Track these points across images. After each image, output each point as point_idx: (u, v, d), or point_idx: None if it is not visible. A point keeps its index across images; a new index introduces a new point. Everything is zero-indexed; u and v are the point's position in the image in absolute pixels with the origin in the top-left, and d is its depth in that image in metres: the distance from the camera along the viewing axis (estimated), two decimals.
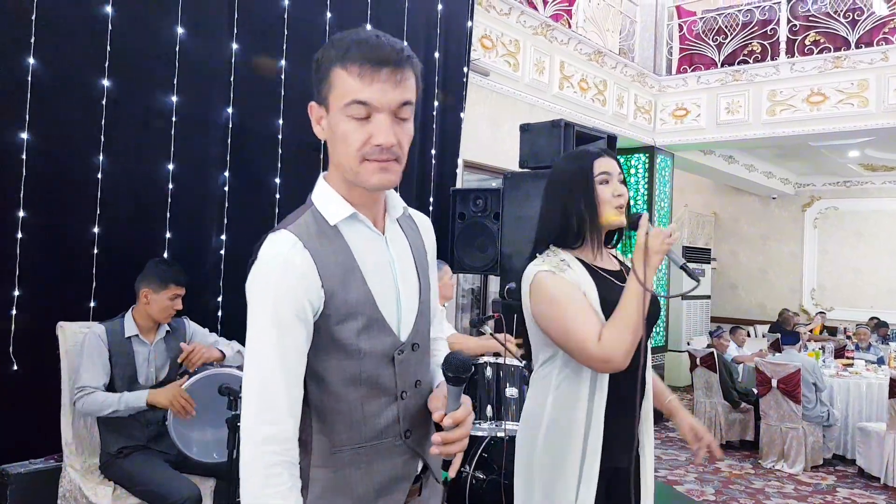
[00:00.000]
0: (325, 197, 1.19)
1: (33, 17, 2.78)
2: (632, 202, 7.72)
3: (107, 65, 3.00)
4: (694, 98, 7.50)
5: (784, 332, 7.25)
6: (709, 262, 10.46)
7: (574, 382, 1.67)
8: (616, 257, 1.87)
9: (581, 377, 1.67)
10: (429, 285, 1.31)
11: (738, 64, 7.30)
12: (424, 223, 1.38)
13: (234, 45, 3.46)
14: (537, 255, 1.75)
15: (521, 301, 1.74)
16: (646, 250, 1.61)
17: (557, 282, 1.65)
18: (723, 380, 6.42)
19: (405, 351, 1.21)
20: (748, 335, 8.37)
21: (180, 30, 3.23)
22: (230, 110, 3.45)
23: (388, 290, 1.20)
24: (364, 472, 1.18)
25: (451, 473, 1.21)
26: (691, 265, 1.71)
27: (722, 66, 7.41)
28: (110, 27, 3.00)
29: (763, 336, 9.56)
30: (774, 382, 5.78)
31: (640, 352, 1.63)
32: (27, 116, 2.80)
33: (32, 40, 2.79)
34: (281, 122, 3.65)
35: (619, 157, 1.81)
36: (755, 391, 6.21)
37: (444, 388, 1.20)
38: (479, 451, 3.17)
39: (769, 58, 7.14)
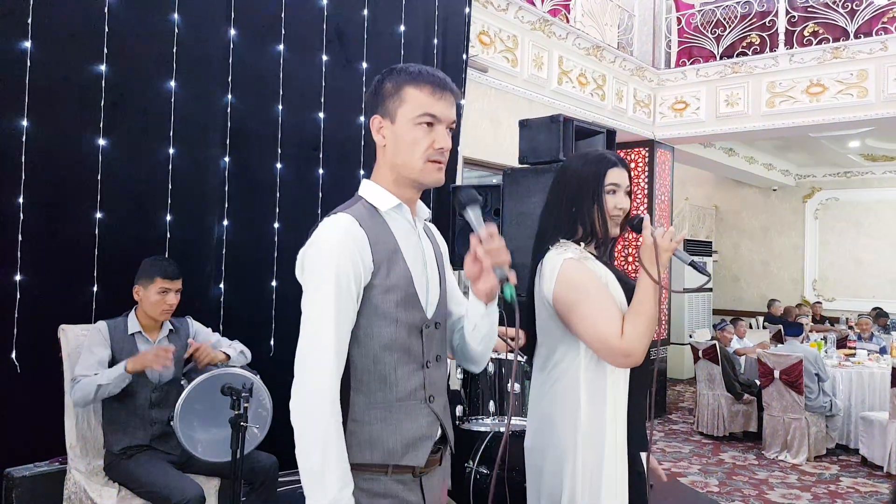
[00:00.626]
0: (374, 191, 1.43)
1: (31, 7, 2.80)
2: (632, 197, 7.77)
3: (105, 53, 3.01)
4: (693, 91, 7.49)
5: (787, 324, 7.26)
6: (710, 255, 10.47)
7: (600, 378, 1.69)
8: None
9: (605, 372, 1.68)
10: (446, 278, 1.55)
11: (737, 56, 7.29)
12: (438, 234, 1.63)
13: (232, 32, 3.47)
14: (549, 246, 1.76)
15: (536, 291, 1.74)
16: (656, 248, 1.65)
17: (583, 269, 1.68)
18: (725, 372, 6.43)
19: (430, 326, 1.43)
20: (749, 327, 8.36)
21: (177, 17, 3.25)
22: (230, 97, 3.46)
23: (420, 273, 1.42)
24: (394, 429, 1.37)
25: (513, 280, 1.40)
26: (693, 257, 1.73)
27: (721, 58, 7.40)
28: (107, 15, 3.02)
29: (764, 327, 9.57)
30: (777, 374, 5.78)
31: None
32: (25, 111, 2.81)
33: (29, 29, 2.80)
34: (280, 106, 3.67)
35: (618, 151, 1.85)
36: (758, 382, 6.21)
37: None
38: (483, 447, 3.17)
39: (768, 49, 7.12)
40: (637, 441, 1.72)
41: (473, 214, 1.43)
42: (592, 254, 1.76)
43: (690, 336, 8.71)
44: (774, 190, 11.39)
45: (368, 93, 1.46)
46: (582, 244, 1.76)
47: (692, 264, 1.69)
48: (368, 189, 1.44)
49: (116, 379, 2.51)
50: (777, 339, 7.72)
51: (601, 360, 1.67)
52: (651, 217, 8.02)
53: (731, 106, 7.20)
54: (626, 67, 7.17)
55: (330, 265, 1.30)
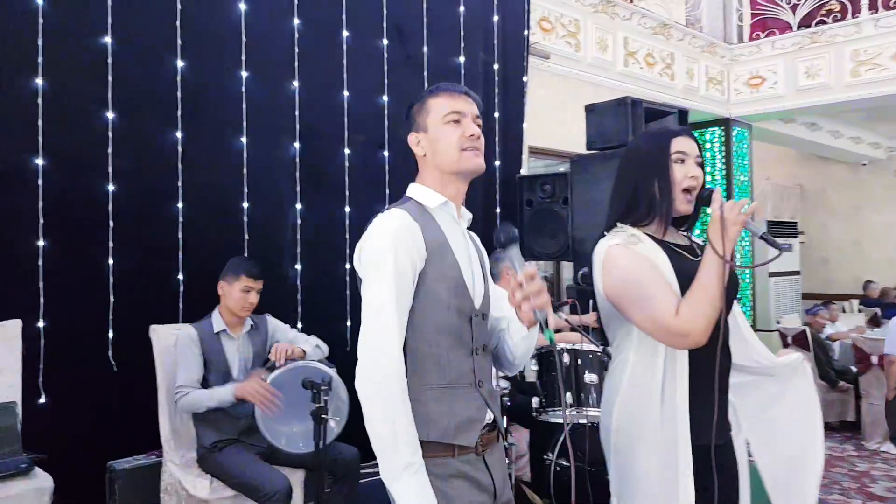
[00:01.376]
0: (421, 192, 1.56)
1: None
2: (708, 178, 7.48)
3: (179, 44, 3.16)
4: (770, 65, 7.16)
5: (885, 306, 6.84)
6: (796, 237, 9.97)
7: (649, 362, 1.62)
8: (686, 235, 1.80)
9: (657, 353, 1.61)
10: (490, 278, 1.66)
11: (816, 25, 6.91)
12: (477, 239, 1.72)
13: (296, 21, 3.56)
14: (605, 233, 1.72)
15: (594, 282, 1.70)
16: (722, 221, 1.55)
17: (629, 255, 1.61)
18: (818, 359, 6.11)
19: (478, 316, 1.53)
20: (842, 310, 7.93)
21: (243, 6, 3.38)
22: (296, 84, 3.57)
23: (466, 265, 1.52)
24: (447, 410, 1.45)
25: (552, 325, 1.45)
26: (778, 240, 1.63)
27: (798, 28, 7.04)
28: (179, 12, 3.17)
29: (859, 310, 9.04)
30: (874, 359, 5.45)
31: (718, 329, 1.56)
32: (110, 100, 2.97)
33: (109, 27, 2.96)
34: (346, 93, 3.74)
35: (693, 131, 1.75)
36: (854, 369, 5.88)
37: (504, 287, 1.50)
38: (562, 439, 3.14)
39: (850, 16, 6.72)
40: (708, 422, 1.62)
41: (514, 254, 1.47)
42: (650, 235, 1.67)
43: (778, 322, 8.33)
44: (864, 164, 10.74)
45: (403, 127, 1.63)
46: (640, 226, 1.68)
47: (763, 237, 1.58)
48: (415, 190, 1.57)
49: (224, 403, 2.66)
50: (874, 322, 7.27)
51: (654, 351, 1.60)
52: (728, 198, 7.71)
53: (812, 78, 6.85)
54: (696, 44, 6.93)
55: (388, 253, 1.41)
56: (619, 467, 1.69)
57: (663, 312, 1.53)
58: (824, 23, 6.88)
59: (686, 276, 1.59)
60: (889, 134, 10.19)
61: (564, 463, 3.12)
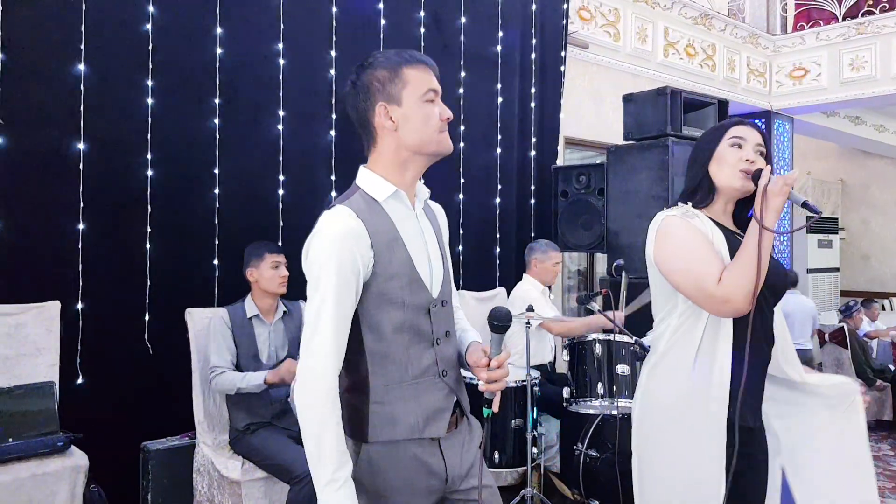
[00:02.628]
0: (370, 181, 1.48)
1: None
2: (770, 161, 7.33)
3: (218, 31, 3.17)
4: (813, 56, 6.97)
5: None
6: (836, 233, 9.73)
7: (691, 325, 1.64)
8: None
9: (699, 320, 1.63)
10: (448, 257, 1.61)
11: (863, 16, 6.70)
12: (439, 210, 1.67)
13: (334, 9, 3.57)
14: (665, 207, 1.78)
15: (646, 253, 1.73)
16: (764, 193, 1.58)
17: (685, 224, 1.66)
18: (855, 356, 5.97)
19: (437, 305, 1.50)
20: (882, 308, 7.73)
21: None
22: (333, 72, 3.58)
23: (422, 255, 1.48)
24: (413, 406, 1.44)
25: (494, 409, 1.44)
26: (817, 236, 1.64)
27: (844, 19, 6.83)
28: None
29: None
30: None
31: (759, 304, 1.57)
32: (149, 91, 3.00)
33: (150, 15, 2.99)
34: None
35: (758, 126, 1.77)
36: (892, 368, 5.73)
37: (477, 346, 1.56)
38: (592, 429, 3.11)
39: None
40: (747, 418, 1.61)
41: (496, 339, 1.45)
42: (709, 217, 1.70)
43: None
44: None
45: (354, 88, 1.49)
46: (702, 207, 1.72)
47: (805, 204, 1.61)
48: (365, 179, 1.48)
49: (255, 387, 2.69)
50: None
51: (697, 317, 1.63)
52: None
53: (857, 70, 6.65)
54: (738, 35, 6.77)
55: (331, 258, 1.36)
56: (642, 437, 1.72)
57: (707, 278, 1.57)
58: (872, 13, 6.67)
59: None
60: None
61: (594, 454, 3.09)
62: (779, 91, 7.20)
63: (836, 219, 10.26)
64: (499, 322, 1.43)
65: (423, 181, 1.58)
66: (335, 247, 1.36)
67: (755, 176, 1.66)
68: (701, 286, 1.57)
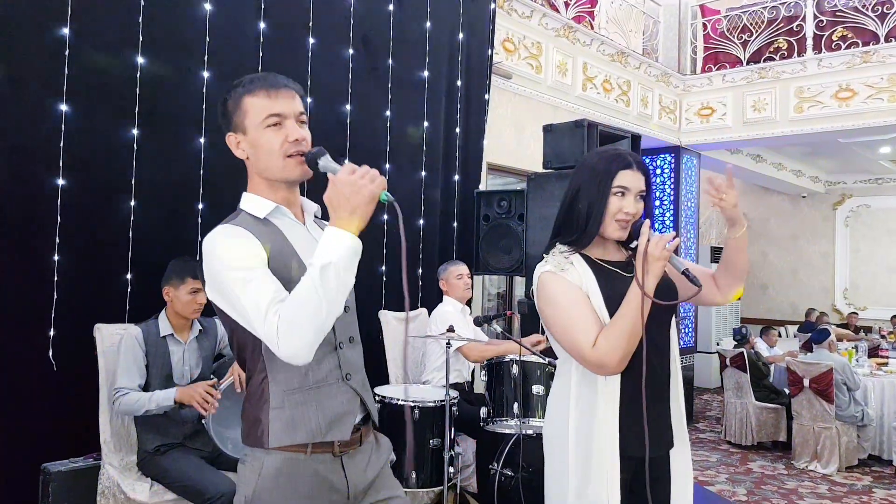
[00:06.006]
0: (251, 201, 1.51)
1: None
2: (658, 203, 7.66)
3: (140, 40, 3.11)
4: (719, 97, 7.44)
5: (813, 331, 7.13)
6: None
7: (591, 378, 1.70)
8: (628, 251, 1.85)
9: (595, 379, 1.69)
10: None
11: (764, 61, 7.23)
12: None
13: (261, 25, 3.56)
14: (544, 255, 1.79)
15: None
16: (646, 256, 1.61)
17: (559, 282, 1.69)
18: (754, 380, 6.35)
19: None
20: (779, 335, 8.24)
21: (209, 7, 3.36)
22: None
23: None
24: (315, 409, 1.44)
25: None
26: (689, 266, 1.72)
27: (747, 63, 7.34)
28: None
29: (794, 336, 9.42)
30: (806, 382, 5.70)
31: (641, 350, 1.63)
32: (65, 93, 2.90)
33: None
34: (309, 99, 3.76)
35: (644, 157, 1.83)
36: (787, 391, 6.12)
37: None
38: (507, 449, 3.18)
39: (796, 54, 7.06)
40: (636, 435, 1.68)
41: (325, 163, 1.43)
42: (585, 255, 1.74)
43: (717, 344, 8.60)
44: (804, 197, 11.23)
45: (218, 114, 1.53)
46: (575, 245, 1.74)
47: (685, 273, 1.65)
48: (247, 201, 1.52)
49: (163, 407, 2.61)
50: (807, 348, 7.59)
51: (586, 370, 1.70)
52: (677, 223, 7.85)
53: (759, 111, 7.15)
54: (652, 73, 7.16)
55: (235, 237, 1.40)
56: (550, 475, 1.78)
57: (582, 343, 1.62)
58: (772, 59, 7.20)
59: (615, 298, 1.66)
60: (828, 168, 10.69)
61: (509, 473, 3.16)
62: (687, 128, 7.63)
63: None
64: (311, 156, 1.45)
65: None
66: (234, 230, 1.41)
67: (634, 228, 1.70)
68: (576, 349, 1.64)
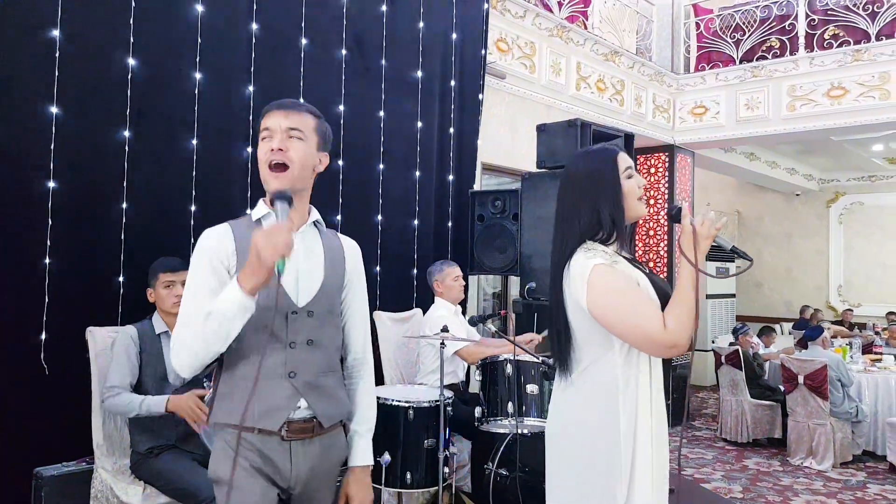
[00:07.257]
0: (259, 207, 1.72)
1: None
2: (652, 202, 7.70)
3: (131, 41, 3.10)
4: (713, 95, 7.46)
5: (808, 328, 7.16)
6: (733, 261, 10.36)
7: (633, 376, 1.71)
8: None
9: (637, 370, 1.72)
10: (337, 283, 1.76)
11: (757, 60, 7.25)
12: (352, 248, 1.85)
13: (255, 26, 3.56)
14: (574, 248, 1.74)
15: (566, 296, 1.73)
16: (695, 235, 1.67)
17: (617, 273, 1.69)
18: (749, 377, 6.37)
19: (299, 314, 1.66)
20: (775, 333, 8.29)
21: (200, 8, 3.35)
22: (251, 89, 3.55)
23: (290, 266, 1.56)
24: (254, 398, 1.55)
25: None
26: (716, 264, 1.77)
27: (740, 62, 7.36)
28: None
29: (789, 333, 9.45)
30: (801, 379, 5.71)
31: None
32: (55, 95, 2.89)
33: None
34: (302, 100, 3.74)
35: (638, 156, 1.88)
36: (781, 388, 6.14)
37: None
38: (502, 448, 3.18)
39: (788, 53, 7.07)
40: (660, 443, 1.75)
41: (281, 208, 1.57)
42: (622, 255, 1.77)
43: (713, 342, 8.63)
44: (797, 195, 11.27)
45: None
46: (608, 245, 1.75)
47: (733, 250, 1.72)
48: (257, 206, 1.73)
49: (153, 413, 2.60)
50: (802, 345, 7.62)
51: (633, 359, 1.70)
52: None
53: (752, 110, 7.16)
54: (645, 73, 7.17)
55: (202, 260, 1.63)
56: (562, 470, 1.77)
57: (653, 327, 1.63)
58: (765, 58, 7.21)
59: (661, 290, 1.73)
60: (821, 166, 10.73)
61: (504, 472, 3.16)
62: (681, 126, 7.64)
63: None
64: (276, 197, 1.59)
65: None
66: (205, 253, 1.63)
67: (673, 212, 1.75)
68: (648, 336, 1.63)
